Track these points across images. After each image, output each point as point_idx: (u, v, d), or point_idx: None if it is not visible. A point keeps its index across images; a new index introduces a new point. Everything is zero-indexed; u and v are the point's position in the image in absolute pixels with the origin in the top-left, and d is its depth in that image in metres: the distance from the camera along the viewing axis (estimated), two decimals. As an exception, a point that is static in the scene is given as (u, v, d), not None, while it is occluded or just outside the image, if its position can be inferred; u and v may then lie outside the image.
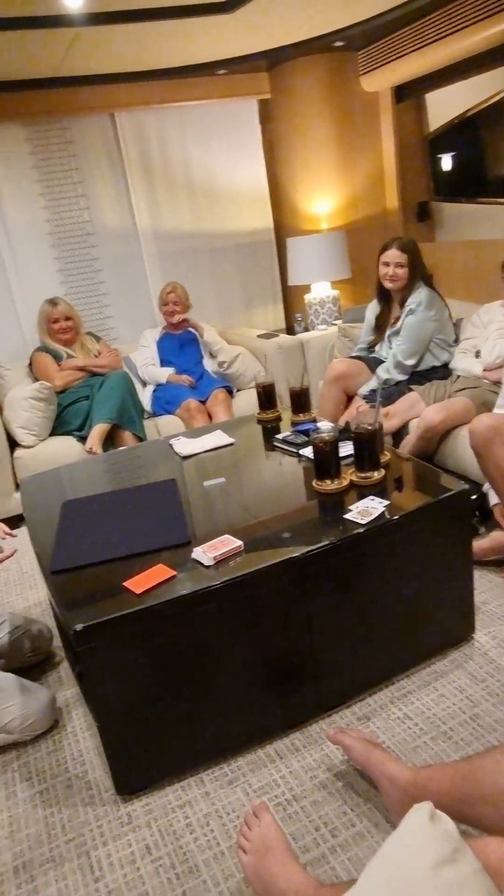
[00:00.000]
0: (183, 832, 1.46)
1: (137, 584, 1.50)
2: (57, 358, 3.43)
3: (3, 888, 1.40)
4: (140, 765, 1.56)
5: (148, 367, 3.67)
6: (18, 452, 3.17)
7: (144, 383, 3.69)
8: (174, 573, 1.53)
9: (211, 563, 1.54)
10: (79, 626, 1.39)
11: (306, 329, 4.09)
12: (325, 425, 1.87)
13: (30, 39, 2.82)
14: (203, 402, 3.41)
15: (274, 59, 3.84)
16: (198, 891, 1.33)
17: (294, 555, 1.54)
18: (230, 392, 3.54)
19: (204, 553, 1.56)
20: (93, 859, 1.43)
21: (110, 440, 3.20)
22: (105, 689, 1.46)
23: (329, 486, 1.81)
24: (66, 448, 3.18)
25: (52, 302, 3.49)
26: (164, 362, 3.69)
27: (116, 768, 1.54)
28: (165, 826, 1.48)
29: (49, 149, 3.72)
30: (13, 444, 3.22)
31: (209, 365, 3.70)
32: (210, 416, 3.37)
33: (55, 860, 1.45)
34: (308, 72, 3.92)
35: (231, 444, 2.36)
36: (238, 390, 3.64)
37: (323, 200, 4.16)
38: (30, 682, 1.81)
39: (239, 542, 1.59)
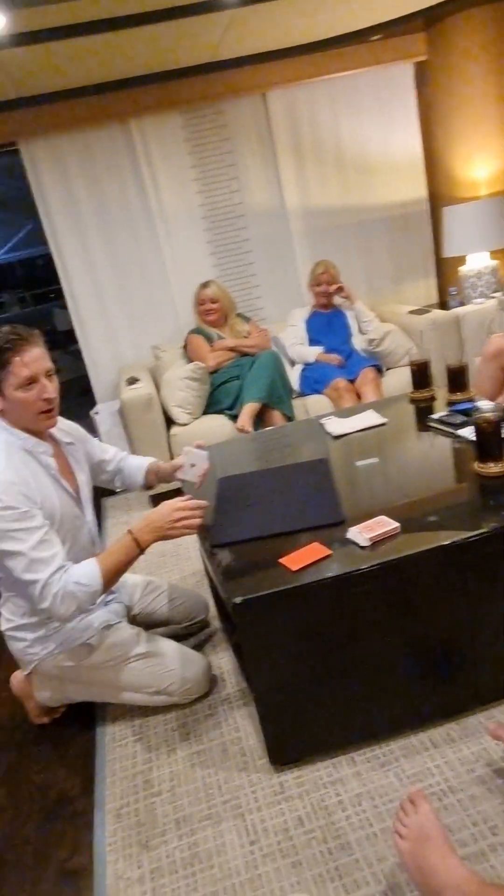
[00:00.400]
0: (335, 809, 1.47)
1: (293, 560, 1.52)
2: (209, 339, 3.54)
3: (166, 837, 1.50)
4: (293, 737, 1.58)
5: (296, 347, 3.68)
6: (174, 430, 3.32)
7: (293, 363, 3.71)
8: (329, 552, 1.53)
9: (367, 543, 1.52)
10: (238, 599, 1.43)
11: (461, 303, 3.87)
12: (485, 404, 1.76)
13: (187, 27, 2.89)
14: (352, 382, 3.36)
15: (433, 17, 3.62)
16: (350, 868, 1.33)
17: (455, 539, 1.47)
18: (379, 371, 3.45)
19: (360, 533, 1.53)
20: (248, 823, 1.49)
21: (260, 419, 3.26)
22: (261, 661, 1.50)
23: (492, 468, 1.70)
24: (218, 426, 3.29)
25: (204, 285, 3.60)
26: (313, 341, 3.68)
27: (270, 738, 1.58)
28: (317, 800, 1.50)
29: (203, 134, 3.81)
30: (169, 422, 3.38)
31: (358, 343, 3.63)
32: (359, 396, 3.31)
33: (212, 818, 1.52)
34: (472, 26, 3.65)
35: (383, 424, 2.30)
36: (387, 369, 3.53)
37: (482, 164, 3.89)
38: (188, 648, 1.91)
39: (396, 524, 1.55)
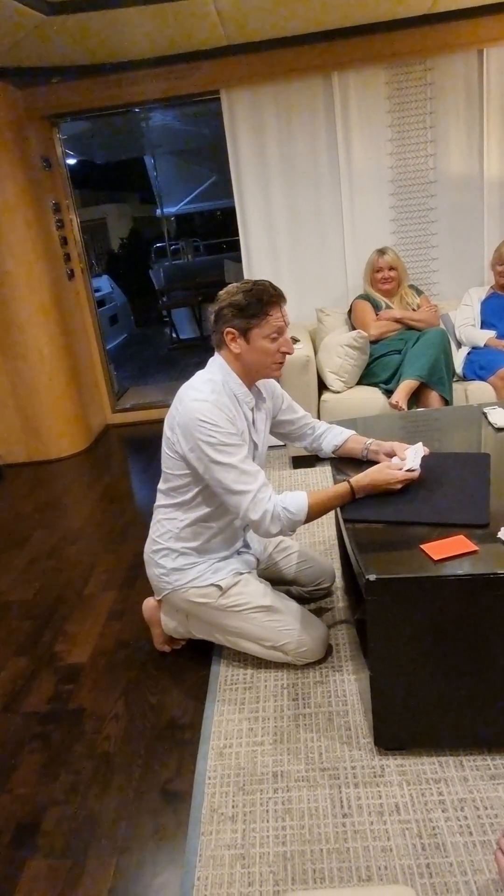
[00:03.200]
0: (435, 807, 1.43)
1: (436, 549, 1.46)
2: (376, 307, 3.44)
3: (263, 786, 1.55)
4: (402, 725, 1.55)
5: (467, 328, 3.47)
6: (325, 396, 3.30)
7: (460, 344, 3.51)
8: (475, 548, 1.45)
9: (519, 548, 1.42)
10: (372, 577, 1.40)
11: None
12: None
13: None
14: (522, 373, 3.12)
15: None
16: (443, 870, 1.30)
17: None
18: None
19: (513, 536, 1.44)
20: (343, 795, 1.49)
21: (415, 398, 3.14)
22: (384, 643, 1.47)
23: None
24: (370, 399, 3.21)
25: (381, 251, 3.47)
26: (486, 324, 3.45)
27: (379, 720, 1.56)
28: (417, 793, 1.47)
29: (406, 92, 3.62)
30: (321, 387, 3.36)
31: (537, 333, 3.35)
32: (527, 389, 3.08)
33: (309, 781, 1.54)
34: None
35: None
36: None
37: None
38: (309, 612, 1.92)
39: None
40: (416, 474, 1.75)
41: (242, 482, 1.67)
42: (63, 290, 4.08)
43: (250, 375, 1.81)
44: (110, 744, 1.76)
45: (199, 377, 1.78)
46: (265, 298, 1.70)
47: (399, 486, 1.73)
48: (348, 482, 1.73)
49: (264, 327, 1.72)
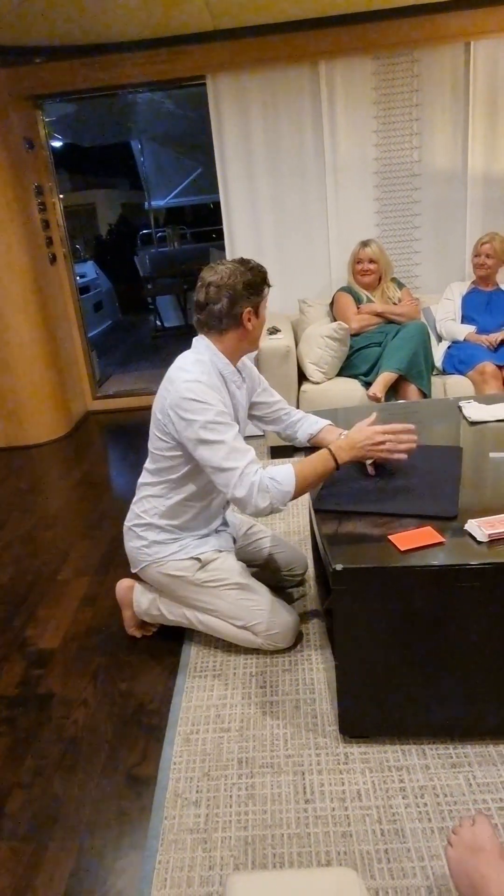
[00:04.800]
0: (396, 794, 1.45)
1: (403, 540, 1.47)
2: (358, 300, 3.44)
3: (228, 772, 1.56)
4: (366, 713, 1.57)
5: (447, 322, 3.49)
6: (305, 387, 3.30)
7: (440, 338, 3.53)
8: (442, 539, 1.46)
9: (484, 539, 1.44)
10: (339, 567, 1.41)
11: None
12: None
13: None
14: (501, 368, 3.14)
15: None
16: (400, 855, 1.32)
17: None
18: (534, 361, 3.20)
19: (479, 527, 1.45)
20: (307, 782, 1.51)
21: (393, 391, 3.15)
22: (350, 632, 1.48)
23: None
24: (349, 390, 3.22)
25: (364, 243, 3.47)
26: (466, 319, 3.47)
27: (344, 708, 1.57)
28: (379, 780, 1.49)
29: (393, 83, 3.61)
30: (301, 378, 3.36)
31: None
32: (505, 384, 3.10)
33: (273, 767, 1.55)
34: None
35: (528, 419, 2.14)
36: (544, 361, 3.27)
37: None
38: (281, 599, 1.93)
39: (521, 527, 1.45)
40: (406, 428, 1.71)
41: (232, 458, 1.65)
42: (44, 275, 4.03)
43: (240, 351, 1.84)
44: (78, 728, 1.76)
45: (187, 358, 1.78)
46: (264, 271, 1.80)
47: (385, 437, 1.68)
48: (327, 448, 1.71)
49: (265, 299, 1.82)
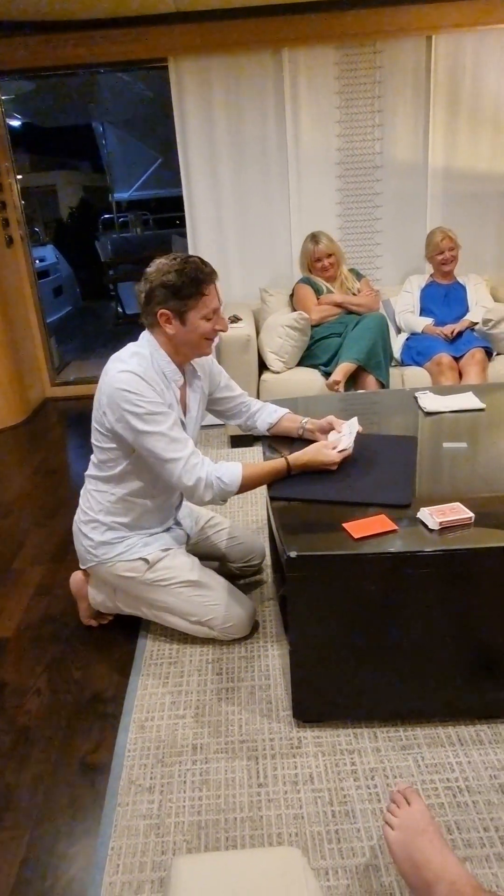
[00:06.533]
0: (347, 776, 1.48)
1: (356, 528, 1.49)
2: (317, 292, 3.46)
3: (182, 758, 1.56)
4: (320, 698, 1.59)
5: (406, 314, 3.54)
6: (265, 376, 3.30)
7: (399, 330, 3.57)
8: (395, 528, 1.49)
9: (436, 527, 1.47)
10: (293, 554, 1.42)
11: None
12: None
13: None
14: (457, 360, 3.20)
15: None
16: (350, 835, 1.34)
17: (530, 544, 1.40)
18: (489, 354, 3.27)
19: (430, 515, 1.48)
20: (260, 766, 1.52)
21: (352, 381, 3.18)
22: (304, 619, 1.50)
23: None
24: (309, 380, 3.24)
25: (315, 239, 3.44)
26: (425, 311, 3.52)
27: (298, 694, 1.59)
28: (332, 763, 1.51)
29: (355, 73, 3.62)
30: (262, 367, 3.36)
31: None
32: (461, 376, 3.17)
33: (227, 753, 1.57)
34: None
35: (481, 410, 2.19)
36: (498, 354, 3.34)
37: None
38: (237, 589, 1.94)
39: (470, 514, 1.48)
40: (349, 452, 1.78)
41: (173, 450, 1.67)
42: (0, 257, 3.93)
43: (182, 354, 1.78)
44: (30, 718, 1.74)
45: (127, 349, 1.76)
46: (200, 277, 1.66)
47: (335, 466, 1.76)
48: (285, 459, 1.76)
49: (200, 308, 1.68)
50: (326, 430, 1.91)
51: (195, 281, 1.65)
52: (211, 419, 2.07)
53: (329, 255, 3.44)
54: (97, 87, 6.35)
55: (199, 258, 1.70)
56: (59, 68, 3.69)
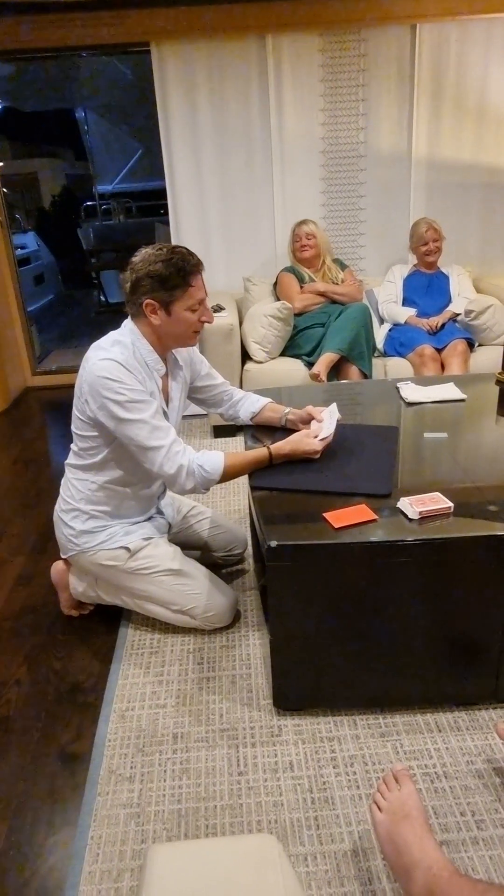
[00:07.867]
0: (326, 764, 1.49)
1: (337, 518, 1.49)
2: (301, 281, 3.45)
3: (162, 747, 1.56)
4: (300, 687, 1.60)
5: (389, 305, 3.54)
6: (248, 366, 3.29)
7: (382, 320, 3.58)
8: (375, 517, 1.49)
9: (415, 516, 1.47)
10: (273, 543, 1.42)
11: None
12: None
13: None
14: (439, 351, 3.22)
15: None
16: (329, 821, 1.36)
17: (508, 533, 1.41)
18: (471, 345, 3.28)
19: (410, 505, 1.49)
20: (240, 755, 1.53)
21: (335, 371, 3.18)
22: (284, 608, 1.50)
23: None
24: (292, 370, 3.24)
25: (302, 221, 3.48)
26: (408, 301, 3.53)
27: (278, 682, 1.60)
28: (311, 751, 1.52)
29: (340, 61, 3.60)
30: (245, 356, 3.35)
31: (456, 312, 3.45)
32: (443, 367, 3.18)
33: (208, 742, 1.57)
34: None
35: (462, 400, 2.20)
36: (480, 345, 3.36)
37: None
38: (218, 578, 1.94)
39: (449, 504, 1.49)
40: (330, 439, 1.78)
41: (155, 438, 1.67)
42: (-20, 244, 3.87)
43: (165, 344, 1.77)
44: (10, 708, 1.73)
45: (109, 337, 1.74)
46: (187, 268, 1.65)
47: (317, 455, 1.77)
48: (268, 448, 1.76)
49: (186, 299, 1.67)
50: (307, 421, 1.91)
51: (182, 272, 1.64)
52: (194, 409, 2.06)
53: (309, 236, 3.43)
54: (79, 71, 6.25)
55: (186, 249, 1.69)
56: (40, 51, 3.63)
